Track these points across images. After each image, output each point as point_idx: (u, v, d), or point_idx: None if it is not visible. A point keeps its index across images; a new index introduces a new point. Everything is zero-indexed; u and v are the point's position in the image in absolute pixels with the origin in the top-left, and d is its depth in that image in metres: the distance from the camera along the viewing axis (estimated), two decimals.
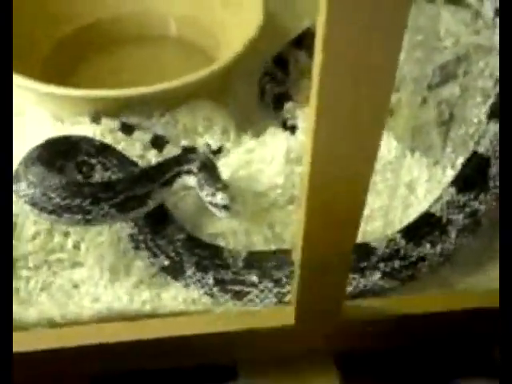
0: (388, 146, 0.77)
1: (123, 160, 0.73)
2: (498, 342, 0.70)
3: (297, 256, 0.55)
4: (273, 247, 0.71)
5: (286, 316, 0.62)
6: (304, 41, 0.91)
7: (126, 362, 0.65)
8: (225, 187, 0.68)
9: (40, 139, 0.73)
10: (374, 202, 0.73)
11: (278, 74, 0.90)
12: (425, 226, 0.67)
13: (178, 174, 0.70)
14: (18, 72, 0.76)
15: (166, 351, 0.64)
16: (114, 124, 0.79)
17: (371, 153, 0.46)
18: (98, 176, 0.73)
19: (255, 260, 0.67)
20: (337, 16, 0.37)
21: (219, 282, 0.67)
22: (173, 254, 0.68)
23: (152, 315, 0.66)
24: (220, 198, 0.66)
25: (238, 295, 0.67)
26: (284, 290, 0.66)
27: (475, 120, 0.79)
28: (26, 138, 0.80)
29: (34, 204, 0.65)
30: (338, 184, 0.48)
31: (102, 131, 0.79)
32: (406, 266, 0.66)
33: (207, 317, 0.66)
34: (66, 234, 0.72)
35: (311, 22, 0.93)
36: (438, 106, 0.82)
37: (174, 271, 0.69)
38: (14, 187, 0.66)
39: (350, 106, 0.42)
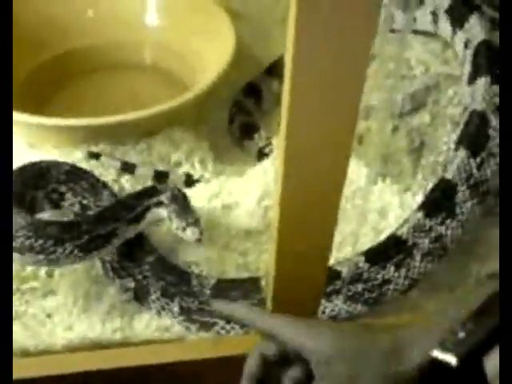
0: (358, 173, 0.78)
1: (94, 184, 0.73)
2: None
3: (269, 280, 0.56)
4: (245, 274, 0.71)
5: None
6: (277, 69, 0.91)
7: None
8: (196, 221, 0.67)
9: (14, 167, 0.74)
10: (344, 229, 0.73)
11: (248, 104, 0.90)
12: (390, 249, 0.67)
13: (148, 208, 0.69)
14: None
15: (139, 380, 0.63)
16: (115, 163, 0.79)
17: (339, 178, 0.47)
18: (69, 203, 0.72)
19: (223, 288, 0.67)
20: (304, 46, 0.38)
21: (185, 311, 0.67)
22: (139, 277, 0.68)
23: (125, 343, 0.66)
24: (191, 233, 0.66)
25: (205, 326, 0.67)
26: None
27: (445, 147, 0.81)
28: None
29: None
30: (308, 212, 0.49)
31: (78, 160, 0.79)
32: (370, 290, 0.67)
33: (180, 344, 0.66)
34: None
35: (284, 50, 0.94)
36: (408, 133, 0.83)
37: (140, 296, 0.68)
38: None
39: (318, 133, 0.43)
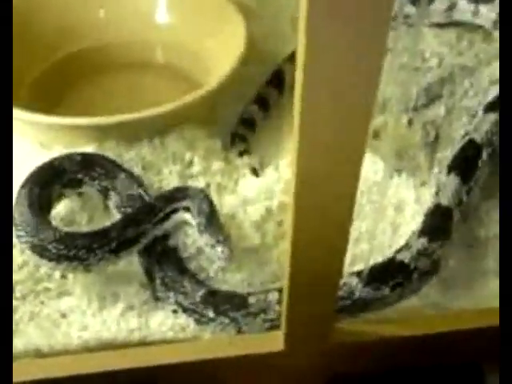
0: (374, 168, 0.77)
1: (109, 167, 0.75)
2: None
3: (285, 280, 0.55)
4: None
5: (275, 341, 0.61)
6: (265, 100, 0.90)
7: None
8: (226, 239, 0.66)
9: (26, 168, 0.74)
10: (361, 225, 0.72)
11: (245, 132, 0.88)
12: (389, 272, 0.66)
13: (175, 211, 0.70)
14: None
15: (153, 380, 0.63)
16: None
17: (353, 177, 0.46)
18: (88, 188, 0.75)
19: (213, 299, 0.66)
20: (316, 40, 0.37)
21: (179, 305, 0.67)
22: (148, 261, 0.70)
23: (140, 343, 0.66)
24: (220, 251, 0.65)
25: (199, 321, 0.67)
26: (242, 325, 0.65)
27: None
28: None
29: (35, 252, 0.67)
30: (323, 211, 0.48)
31: None
32: (360, 307, 0.66)
33: (195, 344, 0.65)
34: None
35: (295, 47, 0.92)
36: (423, 127, 0.82)
37: (149, 275, 0.70)
38: (16, 233, 0.69)
39: (331, 132, 0.42)
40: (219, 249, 0.65)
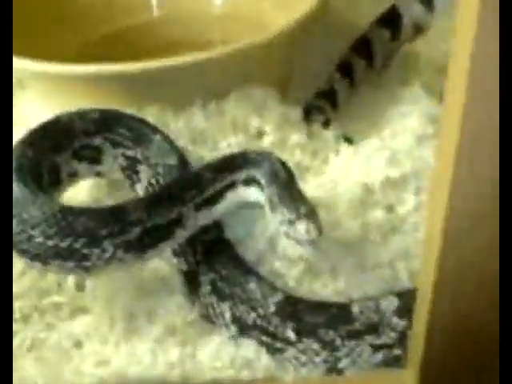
0: None
1: (139, 127, 0.57)
2: None
3: (420, 301, 0.37)
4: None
5: None
6: (347, 69, 0.77)
7: None
8: (311, 213, 0.47)
9: None
10: None
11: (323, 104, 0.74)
12: None
13: (232, 185, 0.51)
14: None
15: None
16: None
17: None
18: (109, 159, 0.57)
19: (293, 309, 0.48)
20: None
21: (240, 323, 0.49)
22: (192, 260, 0.51)
23: None
24: (304, 229, 0.45)
25: (271, 349, 0.48)
26: (340, 354, 0.47)
27: None
28: None
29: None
30: None
31: None
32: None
33: None
34: None
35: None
36: None
37: (191, 282, 0.52)
38: None
39: None
40: (301, 226, 0.45)
